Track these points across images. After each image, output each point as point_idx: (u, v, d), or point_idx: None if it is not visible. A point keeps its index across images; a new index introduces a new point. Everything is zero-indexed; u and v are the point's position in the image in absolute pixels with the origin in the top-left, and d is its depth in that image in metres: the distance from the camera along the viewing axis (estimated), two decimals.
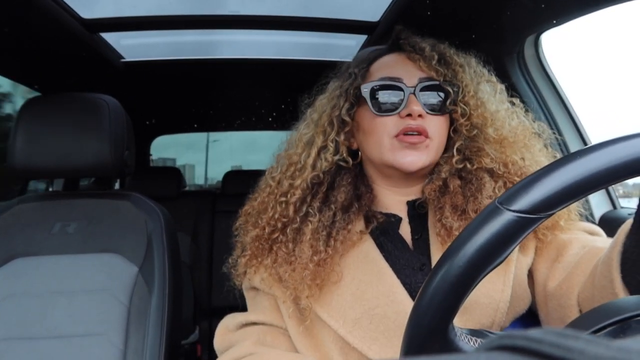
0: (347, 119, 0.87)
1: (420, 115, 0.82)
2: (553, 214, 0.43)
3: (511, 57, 1.57)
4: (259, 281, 0.87)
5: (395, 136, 0.83)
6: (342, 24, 1.78)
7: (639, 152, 0.40)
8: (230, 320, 0.91)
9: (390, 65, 0.88)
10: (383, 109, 0.84)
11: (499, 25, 1.46)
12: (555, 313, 0.77)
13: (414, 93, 0.83)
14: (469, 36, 1.47)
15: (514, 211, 0.42)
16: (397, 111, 0.83)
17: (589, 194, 0.43)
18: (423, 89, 0.84)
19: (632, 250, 0.59)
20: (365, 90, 0.86)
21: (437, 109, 0.84)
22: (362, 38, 1.90)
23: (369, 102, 0.85)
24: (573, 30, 1.37)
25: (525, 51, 1.55)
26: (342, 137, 0.88)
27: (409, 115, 0.82)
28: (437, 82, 0.85)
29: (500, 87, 0.92)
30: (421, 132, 0.82)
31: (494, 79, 0.92)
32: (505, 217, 0.43)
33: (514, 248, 0.44)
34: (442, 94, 0.85)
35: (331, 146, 0.87)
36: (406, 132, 0.82)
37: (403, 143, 0.82)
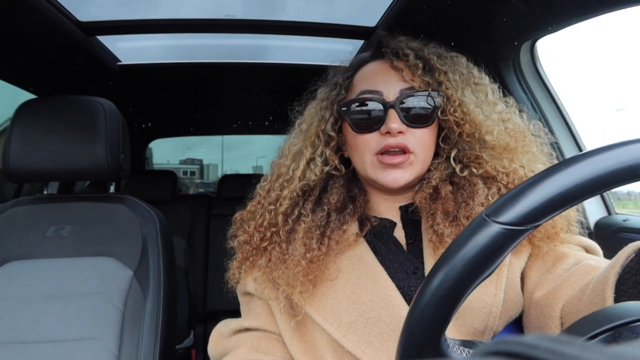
0: (332, 134, 0.87)
1: (400, 132, 0.80)
2: (540, 225, 0.43)
3: (507, 63, 1.58)
4: (251, 281, 0.87)
5: (377, 154, 0.82)
6: (339, 29, 1.79)
7: (623, 162, 0.40)
8: (224, 326, 0.91)
9: (371, 77, 0.87)
10: (362, 128, 0.83)
11: (495, 31, 1.46)
12: (536, 321, 0.77)
13: (394, 107, 0.81)
14: (465, 42, 1.48)
15: (500, 223, 0.43)
16: (377, 128, 0.82)
17: (576, 204, 0.43)
18: (404, 102, 0.82)
19: (632, 272, 0.60)
20: (344, 109, 0.85)
21: (419, 121, 0.82)
22: (360, 43, 1.90)
23: (349, 120, 0.85)
24: (569, 36, 1.38)
25: (521, 57, 1.56)
26: (328, 151, 0.87)
27: (389, 132, 0.80)
28: (419, 93, 0.83)
29: (492, 87, 0.90)
30: (402, 149, 0.81)
31: (484, 80, 0.90)
32: (493, 229, 0.43)
33: (502, 259, 0.44)
34: (424, 105, 0.83)
35: (319, 160, 0.87)
36: (387, 151, 0.81)
37: (383, 164, 0.81)
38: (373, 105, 0.82)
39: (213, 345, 0.91)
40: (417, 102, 0.82)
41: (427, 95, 0.83)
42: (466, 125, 0.84)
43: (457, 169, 0.85)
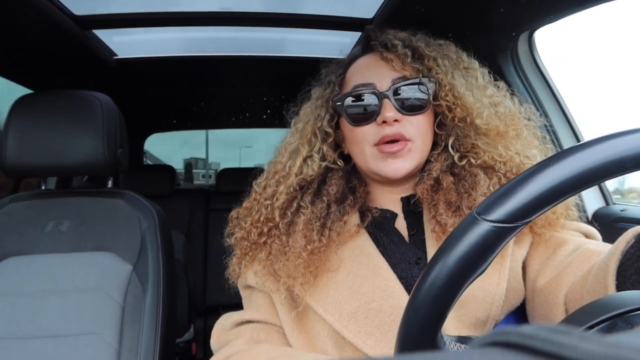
0: (329, 130, 0.88)
1: (396, 120, 0.81)
2: (530, 221, 0.44)
3: (505, 54, 1.58)
4: (252, 275, 0.87)
5: (375, 145, 0.83)
6: (336, 21, 1.78)
7: (611, 155, 0.41)
8: (225, 320, 0.92)
9: (362, 70, 0.88)
10: (358, 120, 0.84)
11: (492, 21, 1.46)
12: (541, 309, 0.78)
13: (387, 97, 0.82)
14: (463, 32, 1.47)
15: (491, 221, 0.43)
16: (373, 119, 0.83)
17: (566, 199, 0.43)
18: (397, 91, 0.83)
19: (634, 259, 0.60)
20: (339, 103, 0.86)
21: (414, 109, 0.83)
22: (357, 35, 1.90)
23: (344, 114, 0.86)
24: (567, 26, 1.38)
25: (518, 48, 1.56)
26: (325, 147, 0.89)
27: (385, 122, 0.81)
28: (411, 81, 0.83)
29: (482, 71, 0.90)
30: (399, 138, 0.82)
31: (474, 64, 0.91)
32: (483, 227, 0.43)
33: (494, 256, 0.45)
34: (417, 92, 0.84)
35: (316, 156, 0.88)
36: (385, 141, 0.82)
37: (383, 153, 0.82)
38: (367, 97, 0.83)
39: (215, 339, 0.92)
40: (410, 89, 0.83)
41: (419, 82, 0.84)
42: (457, 109, 0.85)
43: (456, 158, 0.86)
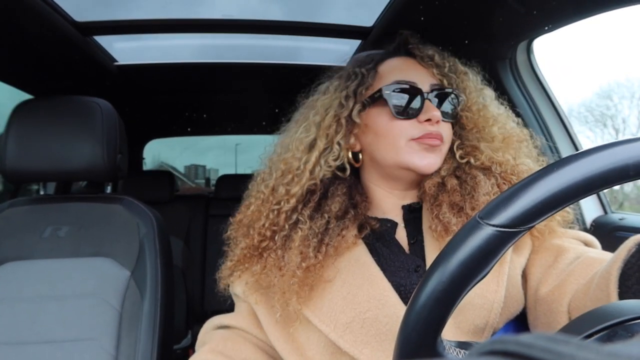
0: (358, 120, 0.87)
1: (437, 121, 0.84)
2: (533, 226, 0.43)
3: (503, 63, 1.59)
4: (242, 285, 0.87)
5: (414, 139, 0.83)
6: (336, 29, 1.79)
7: (614, 162, 0.41)
8: (209, 322, 0.93)
9: (403, 69, 0.89)
10: (403, 113, 0.84)
11: (491, 31, 1.47)
12: (544, 318, 0.77)
13: (429, 99, 0.84)
14: (462, 41, 1.48)
15: (494, 226, 0.43)
16: (414, 115, 0.84)
17: (568, 205, 0.43)
18: (437, 96, 0.86)
19: (635, 268, 0.60)
20: (387, 92, 0.85)
21: (448, 116, 0.87)
22: (356, 43, 1.90)
23: (390, 104, 0.84)
24: (565, 36, 1.39)
25: (517, 57, 1.57)
26: (349, 139, 0.88)
27: (428, 120, 0.83)
28: (448, 90, 0.87)
29: (494, 94, 0.95)
30: (439, 138, 0.84)
31: (485, 84, 0.95)
32: (486, 232, 0.43)
33: (496, 261, 0.44)
34: (452, 102, 0.87)
35: (336, 148, 0.86)
36: (427, 136, 0.84)
37: (423, 145, 0.83)
38: (412, 92, 0.85)
39: (198, 340, 0.93)
40: (447, 97, 0.87)
41: (454, 92, 0.87)
42: (479, 120, 0.89)
43: (457, 156, 0.88)
